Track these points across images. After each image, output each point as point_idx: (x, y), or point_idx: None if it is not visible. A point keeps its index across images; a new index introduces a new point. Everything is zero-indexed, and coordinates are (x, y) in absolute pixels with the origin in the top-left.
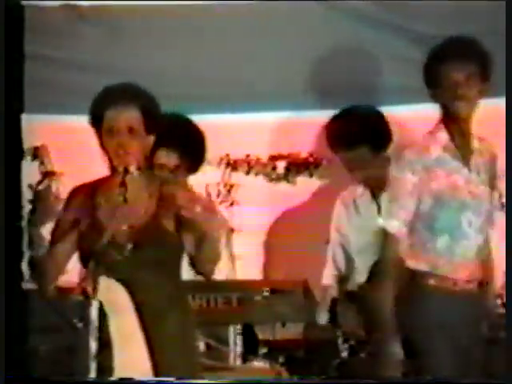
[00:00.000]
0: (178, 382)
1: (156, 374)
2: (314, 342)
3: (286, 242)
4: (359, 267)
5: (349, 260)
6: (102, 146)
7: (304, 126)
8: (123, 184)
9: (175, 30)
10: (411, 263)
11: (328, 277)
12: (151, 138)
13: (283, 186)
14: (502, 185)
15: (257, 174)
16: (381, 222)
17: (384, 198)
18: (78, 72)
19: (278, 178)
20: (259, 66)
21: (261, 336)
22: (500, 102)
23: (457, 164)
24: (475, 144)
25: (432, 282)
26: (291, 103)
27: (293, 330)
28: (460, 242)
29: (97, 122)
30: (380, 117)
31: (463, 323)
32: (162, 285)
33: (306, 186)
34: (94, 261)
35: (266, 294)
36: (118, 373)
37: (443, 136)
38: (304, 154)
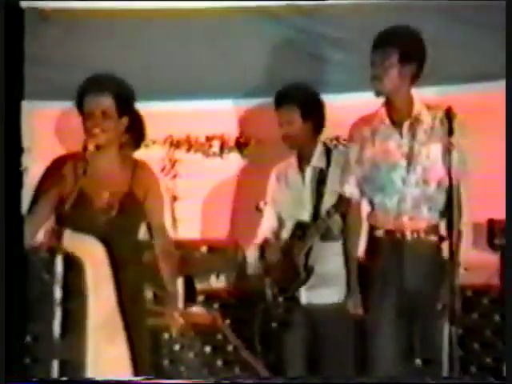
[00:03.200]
0: (177, 381)
1: (122, 316)
2: (244, 291)
3: (221, 208)
4: (287, 227)
5: (280, 222)
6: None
7: (236, 111)
8: (83, 159)
9: (128, 29)
10: (369, 220)
11: (262, 233)
12: (125, 120)
13: (218, 161)
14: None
15: (196, 152)
16: (337, 188)
17: (307, 172)
18: (40, 66)
19: (214, 155)
20: (200, 61)
21: (199, 286)
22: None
23: (390, 132)
24: (415, 112)
25: (379, 233)
26: (225, 93)
27: (226, 281)
28: (393, 197)
29: (79, 106)
30: (315, 94)
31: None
32: (127, 243)
33: (236, 161)
34: (59, 222)
35: (204, 251)
36: (91, 314)
37: (381, 111)
38: (235, 135)
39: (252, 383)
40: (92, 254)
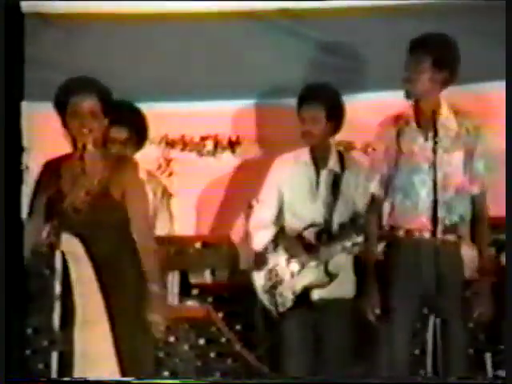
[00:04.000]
0: (177, 381)
1: (110, 316)
2: (237, 285)
3: (214, 205)
4: (290, 222)
5: (281, 212)
6: (66, 126)
7: (229, 112)
8: (82, 158)
9: (127, 34)
10: (389, 220)
11: (261, 220)
12: (107, 120)
13: (211, 160)
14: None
15: (190, 151)
16: (363, 185)
17: (323, 175)
18: (40, 67)
19: (207, 154)
20: (195, 63)
21: (193, 281)
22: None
23: (415, 135)
24: (442, 117)
25: (401, 233)
26: (220, 95)
27: (219, 276)
28: (413, 198)
29: (61, 107)
30: (339, 96)
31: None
32: (112, 240)
33: (229, 160)
34: (57, 220)
35: (198, 247)
36: (78, 315)
37: (408, 113)
38: (228, 136)
39: (252, 383)
40: (74, 252)
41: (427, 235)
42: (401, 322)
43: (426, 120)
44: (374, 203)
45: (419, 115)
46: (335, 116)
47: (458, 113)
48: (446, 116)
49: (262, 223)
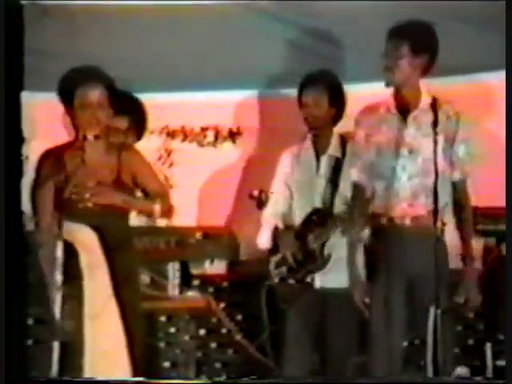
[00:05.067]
0: (177, 381)
1: (118, 300)
2: (237, 276)
3: (215, 195)
4: (297, 212)
5: (289, 203)
6: (71, 116)
7: (230, 103)
8: (82, 148)
9: (127, 24)
10: (372, 207)
11: (267, 215)
12: (111, 111)
13: (212, 150)
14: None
15: (190, 142)
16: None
17: (323, 160)
18: (38, 58)
19: (208, 145)
20: (195, 54)
21: (194, 271)
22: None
23: (395, 121)
24: (422, 104)
25: (383, 221)
26: (220, 85)
27: (219, 267)
28: (394, 185)
29: (67, 97)
30: (340, 83)
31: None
32: (116, 229)
33: (229, 151)
34: (59, 209)
35: (199, 237)
36: (87, 300)
37: (389, 101)
38: (228, 126)
39: (252, 383)
40: (84, 241)
41: (408, 222)
42: (391, 311)
43: (406, 107)
44: (357, 190)
45: (400, 102)
46: (337, 102)
47: (438, 99)
48: (426, 102)
49: (271, 218)
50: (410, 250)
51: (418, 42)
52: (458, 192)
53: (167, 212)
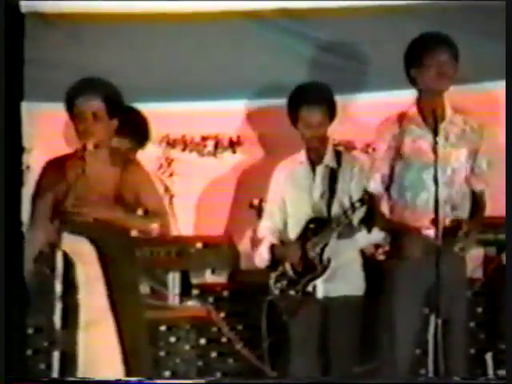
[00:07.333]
0: (177, 381)
1: (114, 313)
2: (238, 285)
3: (215, 205)
4: (291, 226)
5: (284, 218)
6: (74, 126)
7: (230, 112)
8: (82, 158)
9: (127, 34)
10: (392, 216)
11: (264, 229)
12: (115, 122)
13: (212, 160)
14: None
15: (191, 151)
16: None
17: (319, 171)
18: (38, 68)
19: (208, 154)
20: (196, 64)
21: (194, 281)
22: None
23: (422, 132)
24: (449, 115)
25: (406, 231)
26: (220, 95)
27: (220, 276)
28: (422, 195)
29: (69, 106)
30: (332, 94)
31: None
32: (117, 240)
33: (229, 160)
34: (59, 220)
35: (199, 247)
36: (82, 311)
37: (411, 111)
38: (229, 136)
39: (249, 383)
40: (81, 253)
41: (432, 233)
42: (403, 322)
43: (430, 118)
44: (372, 200)
45: (424, 113)
46: (334, 116)
47: (461, 111)
48: (451, 114)
49: (267, 232)
50: (433, 260)
51: (454, 53)
52: (477, 203)
53: (165, 230)
